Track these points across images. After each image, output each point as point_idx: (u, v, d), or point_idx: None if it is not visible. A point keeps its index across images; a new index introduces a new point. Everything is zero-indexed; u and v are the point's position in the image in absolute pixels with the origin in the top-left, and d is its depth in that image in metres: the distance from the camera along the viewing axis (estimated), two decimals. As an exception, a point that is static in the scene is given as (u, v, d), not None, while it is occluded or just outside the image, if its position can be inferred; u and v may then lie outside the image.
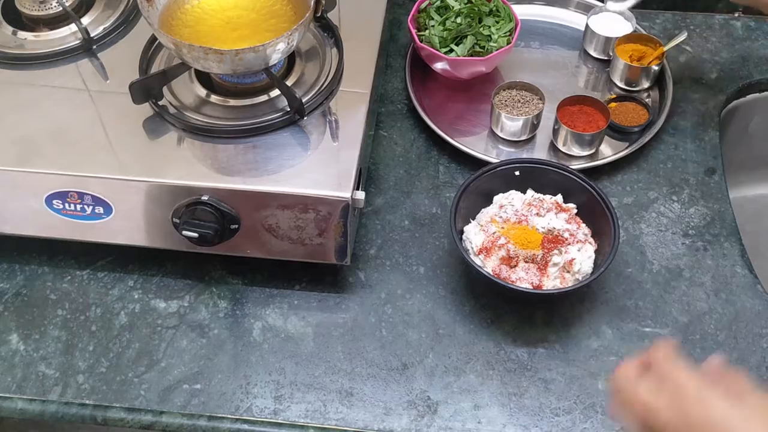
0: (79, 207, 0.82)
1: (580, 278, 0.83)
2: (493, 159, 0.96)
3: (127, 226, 0.83)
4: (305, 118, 0.86)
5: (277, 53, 0.82)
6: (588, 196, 0.87)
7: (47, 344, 0.84)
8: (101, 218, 0.83)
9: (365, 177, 0.91)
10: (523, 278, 0.82)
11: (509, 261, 0.83)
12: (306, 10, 0.85)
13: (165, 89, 0.87)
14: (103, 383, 0.81)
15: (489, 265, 0.83)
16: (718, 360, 0.56)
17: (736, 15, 1.17)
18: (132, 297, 0.87)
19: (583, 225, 0.87)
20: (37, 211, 0.82)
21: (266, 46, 0.79)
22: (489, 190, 0.89)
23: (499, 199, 0.89)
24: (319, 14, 0.88)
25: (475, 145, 0.99)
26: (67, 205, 0.82)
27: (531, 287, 0.81)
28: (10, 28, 0.96)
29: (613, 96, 1.04)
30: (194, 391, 0.80)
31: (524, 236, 0.84)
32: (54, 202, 0.82)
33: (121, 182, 0.81)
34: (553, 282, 0.82)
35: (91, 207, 0.82)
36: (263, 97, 0.88)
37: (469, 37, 1.02)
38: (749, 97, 1.11)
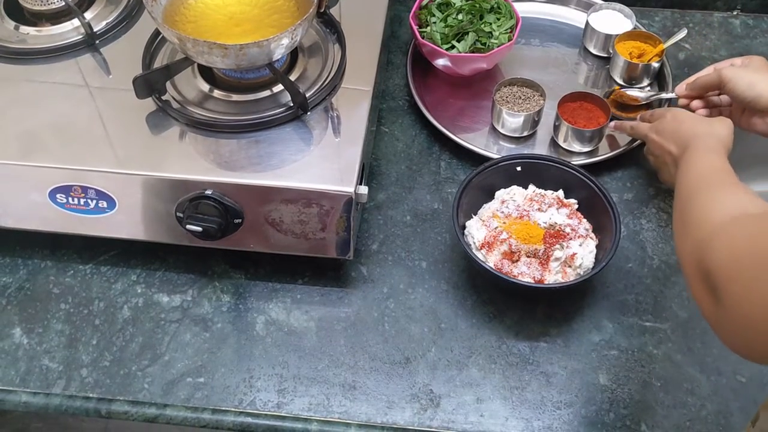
0: (82, 201, 0.82)
1: (582, 273, 0.83)
2: (494, 155, 0.96)
3: (130, 221, 0.84)
4: (308, 113, 0.86)
5: (280, 48, 0.82)
6: (589, 192, 0.88)
7: (50, 338, 0.84)
8: (105, 212, 0.83)
9: (367, 172, 0.92)
10: (525, 273, 0.82)
11: (511, 256, 0.83)
12: (309, 6, 0.85)
13: (168, 84, 0.88)
14: (107, 377, 0.81)
15: (491, 260, 0.83)
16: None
17: (735, 13, 1.18)
18: (135, 291, 0.88)
19: (585, 220, 0.87)
20: (40, 205, 0.83)
21: (270, 41, 0.80)
22: (491, 185, 0.90)
23: (500, 194, 0.89)
24: (322, 10, 0.88)
25: (476, 141, 0.99)
26: (70, 199, 0.82)
27: (533, 282, 0.82)
28: (13, 23, 0.96)
29: (616, 88, 1.04)
30: (198, 384, 0.81)
31: (526, 231, 0.84)
32: (57, 196, 0.82)
33: (125, 176, 0.81)
34: (554, 276, 0.82)
35: (94, 201, 0.82)
36: (266, 93, 0.89)
37: (470, 33, 1.02)
38: (748, 94, 1.11)
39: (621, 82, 1.07)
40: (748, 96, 0.85)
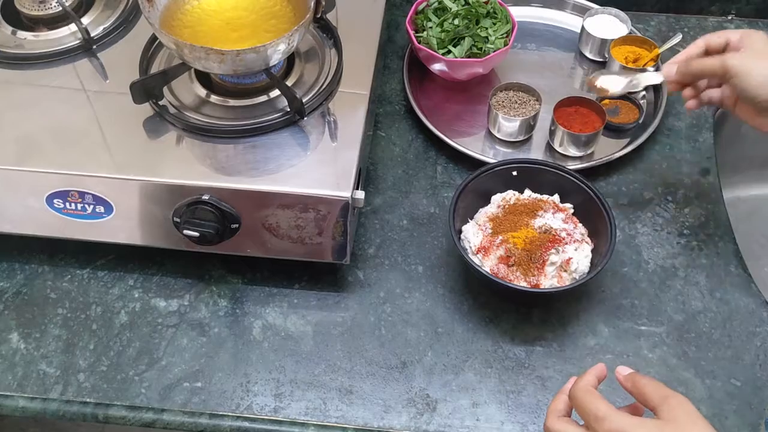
0: (79, 206, 0.82)
1: (577, 277, 0.83)
2: (490, 159, 0.97)
3: (127, 226, 0.84)
4: (305, 118, 0.86)
5: (277, 54, 0.83)
6: (585, 196, 0.88)
7: (48, 343, 0.84)
8: (102, 217, 0.83)
9: (364, 177, 0.92)
10: (520, 277, 0.83)
11: (507, 260, 0.84)
12: (306, 11, 0.85)
13: (165, 89, 0.88)
14: (104, 381, 0.81)
15: (487, 264, 0.84)
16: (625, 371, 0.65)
17: (729, 17, 1.19)
18: (132, 296, 0.88)
19: (580, 225, 0.88)
20: (37, 210, 0.83)
21: (267, 47, 0.80)
22: (487, 189, 0.90)
23: (497, 198, 0.90)
24: (318, 15, 0.89)
25: (472, 146, 1.00)
26: (67, 204, 0.82)
27: (529, 286, 0.82)
28: (10, 28, 0.96)
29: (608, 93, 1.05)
30: (195, 389, 0.81)
31: (522, 236, 0.85)
32: (55, 201, 0.82)
33: (122, 181, 0.81)
34: (550, 281, 0.83)
35: (91, 206, 0.82)
36: (263, 98, 0.89)
37: (466, 38, 1.03)
38: (742, 98, 1.12)
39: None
40: (760, 95, 0.73)
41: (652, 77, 0.89)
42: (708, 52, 0.81)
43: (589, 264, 0.85)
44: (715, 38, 0.80)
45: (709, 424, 0.58)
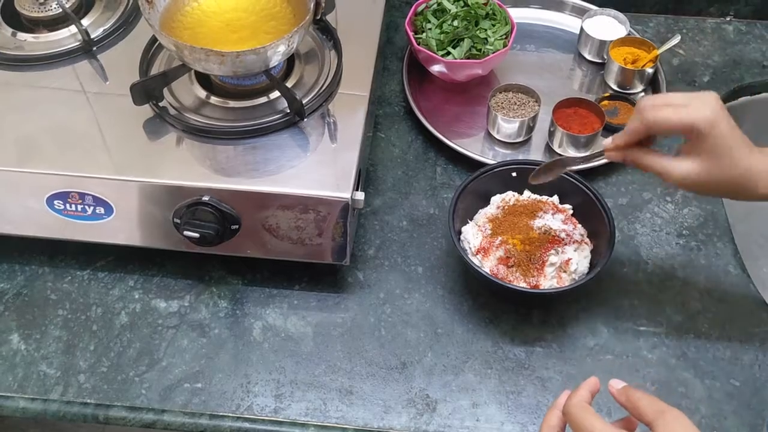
0: (80, 207, 0.83)
1: (577, 278, 0.84)
2: (489, 160, 0.97)
3: (127, 227, 0.84)
4: (305, 119, 0.87)
5: (277, 55, 0.83)
6: (584, 197, 0.88)
7: (48, 344, 0.84)
8: (102, 218, 0.83)
9: (364, 178, 0.92)
10: (520, 278, 0.83)
11: (507, 261, 0.84)
12: (305, 13, 0.86)
13: (165, 91, 0.88)
14: (105, 382, 0.81)
15: (487, 265, 0.84)
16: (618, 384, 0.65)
17: (728, 19, 1.19)
18: (132, 297, 0.88)
19: (579, 225, 0.88)
20: (38, 212, 0.83)
21: (267, 48, 0.80)
22: (486, 191, 0.90)
23: (496, 199, 0.90)
24: (318, 17, 0.89)
25: (471, 147, 1.00)
26: (68, 205, 0.82)
27: (528, 287, 0.82)
28: (10, 30, 0.96)
29: (607, 95, 1.05)
30: (195, 389, 0.81)
31: (521, 237, 0.85)
32: (55, 202, 0.82)
33: (122, 183, 0.81)
34: (550, 282, 0.83)
35: (92, 207, 0.83)
36: (263, 99, 0.89)
37: (465, 40, 1.03)
38: (741, 99, 1.12)
39: (616, 88, 1.07)
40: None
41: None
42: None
43: (588, 265, 0.85)
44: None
45: None
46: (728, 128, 0.70)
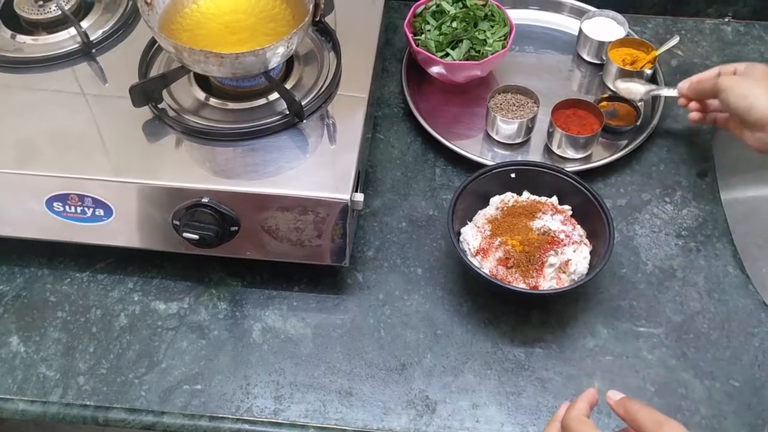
0: (79, 209, 0.83)
1: (576, 279, 0.84)
2: (488, 162, 0.97)
3: (127, 229, 0.84)
4: (304, 121, 0.87)
5: (276, 57, 0.83)
6: (583, 198, 0.88)
7: (47, 346, 0.84)
8: (102, 220, 0.83)
9: (363, 179, 0.92)
10: (519, 279, 0.83)
11: (506, 262, 0.84)
12: (304, 14, 0.86)
13: (164, 92, 0.88)
14: (104, 384, 0.81)
15: (486, 266, 0.84)
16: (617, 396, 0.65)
17: (726, 20, 1.19)
18: (132, 299, 0.88)
19: (578, 226, 0.88)
20: (37, 214, 0.83)
21: (266, 50, 0.80)
22: (485, 192, 0.91)
23: (495, 200, 0.90)
24: (317, 18, 0.89)
25: (470, 148, 1.00)
26: (67, 207, 0.82)
27: (528, 288, 0.82)
28: (9, 32, 0.96)
29: (606, 96, 1.05)
30: (195, 391, 0.81)
31: (521, 238, 0.85)
32: (54, 204, 0.82)
33: (122, 184, 0.81)
34: (549, 282, 0.83)
35: (91, 209, 0.83)
36: (262, 101, 0.89)
37: (464, 41, 1.03)
38: (740, 100, 1.12)
39: (614, 89, 1.07)
40: (740, 106, 0.84)
41: (668, 91, 1.01)
42: None
43: (587, 265, 0.85)
44: (727, 67, 0.91)
45: None
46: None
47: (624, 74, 1.05)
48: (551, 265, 0.83)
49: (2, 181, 0.82)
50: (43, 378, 0.82)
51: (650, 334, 0.85)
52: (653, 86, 1.04)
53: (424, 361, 0.83)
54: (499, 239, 0.85)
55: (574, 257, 0.84)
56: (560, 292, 0.83)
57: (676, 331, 0.85)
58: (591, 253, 0.86)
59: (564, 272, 0.84)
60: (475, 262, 0.85)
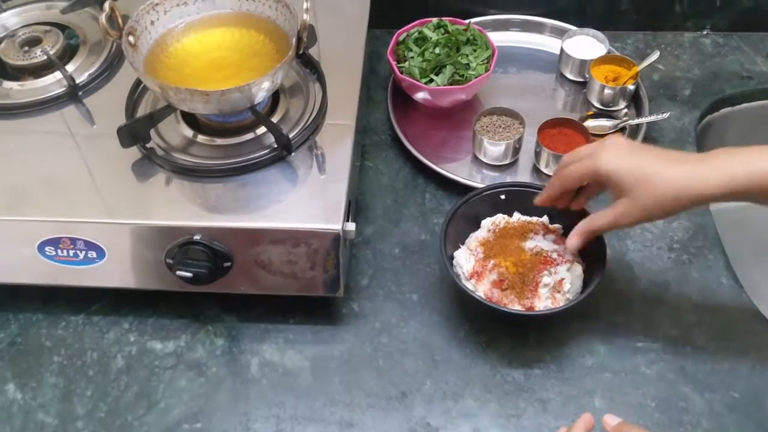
0: (71, 252, 0.82)
1: (571, 298, 0.84)
2: (478, 184, 0.97)
3: (120, 269, 0.84)
4: (292, 153, 0.87)
5: (262, 91, 0.83)
6: (573, 217, 0.88)
7: (45, 392, 0.84)
8: (94, 262, 0.83)
9: (354, 208, 0.92)
10: (515, 300, 0.83)
11: (500, 284, 0.84)
12: (288, 48, 0.86)
13: (152, 131, 0.88)
14: (103, 428, 0.81)
15: (481, 289, 0.84)
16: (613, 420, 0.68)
17: (705, 32, 1.21)
18: (128, 339, 0.88)
19: (571, 245, 0.88)
20: (30, 259, 0.83)
21: (251, 86, 0.81)
22: (476, 214, 0.91)
23: (486, 223, 0.90)
24: (301, 51, 0.90)
25: (459, 171, 1.01)
26: (59, 251, 0.82)
27: (523, 309, 0.82)
28: (-5, 79, 0.97)
29: (590, 113, 1.06)
30: (195, 430, 0.80)
31: (513, 259, 0.85)
32: (46, 248, 0.82)
33: (113, 226, 0.81)
34: (544, 303, 0.83)
35: (83, 252, 0.82)
36: (250, 135, 0.90)
37: (448, 66, 1.04)
38: (723, 111, 1.14)
39: (599, 106, 1.08)
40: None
41: (633, 121, 1.04)
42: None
43: (581, 284, 0.85)
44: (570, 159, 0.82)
45: None
46: (632, 160, 0.74)
47: (607, 92, 1.06)
48: (546, 285, 0.84)
49: (-7, 228, 0.82)
50: (42, 425, 0.81)
51: (648, 349, 0.85)
52: (618, 120, 1.06)
53: (423, 388, 0.83)
54: (492, 261, 0.85)
55: (568, 276, 0.84)
56: (556, 312, 0.83)
57: (673, 345, 0.86)
58: (584, 270, 0.86)
59: (558, 292, 0.84)
60: (469, 285, 0.85)
